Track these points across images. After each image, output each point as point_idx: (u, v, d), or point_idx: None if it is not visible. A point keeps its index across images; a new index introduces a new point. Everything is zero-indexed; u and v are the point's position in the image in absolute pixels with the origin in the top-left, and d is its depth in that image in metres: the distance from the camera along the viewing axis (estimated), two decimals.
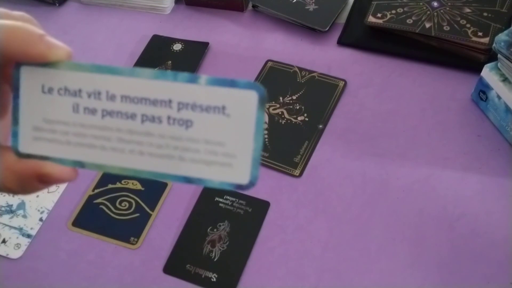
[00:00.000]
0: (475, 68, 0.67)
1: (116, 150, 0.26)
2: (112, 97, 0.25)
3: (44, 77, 0.25)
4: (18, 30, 0.24)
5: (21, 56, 0.24)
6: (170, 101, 0.25)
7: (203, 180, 0.25)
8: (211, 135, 0.25)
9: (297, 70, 0.73)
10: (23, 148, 0.26)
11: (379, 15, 0.74)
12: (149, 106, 0.25)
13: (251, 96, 0.24)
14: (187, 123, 0.25)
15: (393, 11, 0.74)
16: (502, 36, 0.60)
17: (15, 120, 0.26)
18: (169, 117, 0.25)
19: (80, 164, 0.26)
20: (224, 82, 0.24)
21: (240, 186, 0.25)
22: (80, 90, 0.25)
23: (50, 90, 0.26)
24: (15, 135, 0.26)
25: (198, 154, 0.25)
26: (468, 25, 0.69)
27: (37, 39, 0.24)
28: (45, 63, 0.25)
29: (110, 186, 0.63)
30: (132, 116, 0.25)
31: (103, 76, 0.25)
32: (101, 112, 0.25)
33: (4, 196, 0.64)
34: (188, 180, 0.25)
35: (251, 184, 0.25)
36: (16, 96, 0.26)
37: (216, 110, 0.24)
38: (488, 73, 0.62)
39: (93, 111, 0.25)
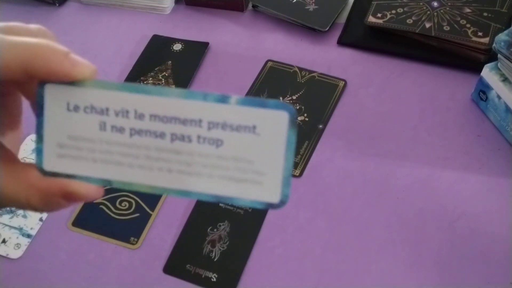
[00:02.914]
0: (475, 68, 0.67)
1: (144, 168, 0.25)
2: (140, 116, 0.25)
3: (69, 95, 0.25)
4: (43, 49, 0.23)
5: (45, 75, 0.24)
6: (200, 121, 0.25)
7: (232, 198, 0.25)
8: (241, 153, 0.25)
9: (297, 70, 0.73)
10: (48, 166, 0.26)
11: (379, 15, 0.74)
12: (178, 125, 0.25)
13: (282, 116, 0.24)
14: (217, 142, 0.25)
15: (393, 11, 0.74)
16: (502, 36, 0.60)
17: (39, 138, 0.26)
18: (199, 136, 0.25)
19: (107, 182, 0.26)
20: (254, 102, 0.24)
21: (271, 205, 0.25)
22: (107, 109, 0.25)
23: (76, 108, 0.25)
24: (39, 152, 0.26)
25: (227, 172, 0.25)
26: (468, 25, 0.69)
27: (62, 57, 0.24)
28: (70, 81, 0.25)
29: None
30: (161, 135, 0.25)
31: (131, 95, 0.25)
32: (129, 131, 0.25)
33: None
34: (217, 198, 0.25)
35: (282, 203, 0.25)
36: (40, 114, 0.25)
37: (247, 129, 0.24)
38: (488, 73, 0.62)
39: (121, 130, 0.25)
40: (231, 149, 0.25)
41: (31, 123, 0.27)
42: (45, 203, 0.25)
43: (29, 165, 0.26)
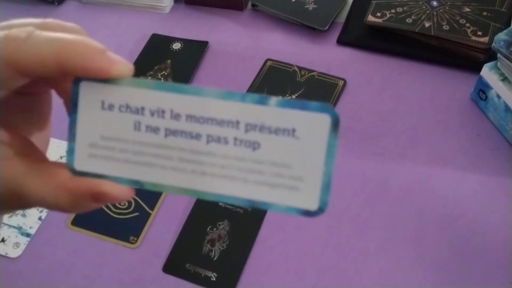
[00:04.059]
0: (475, 67, 0.67)
1: (177, 170, 0.25)
2: (176, 116, 0.24)
3: (104, 93, 0.25)
4: (79, 44, 0.23)
5: (81, 72, 0.23)
6: (237, 122, 0.24)
7: (267, 204, 0.24)
8: (278, 157, 0.24)
9: (297, 69, 0.73)
10: (79, 165, 0.25)
11: (378, 14, 0.74)
12: (215, 127, 0.24)
13: (324, 119, 0.23)
14: (254, 145, 0.24)
15: (393, 10, 0.74)
16: (501, 36, 0.60)
17: (72, 137, 0.25)
18: (235, 138, 0.24)
19: (138, 184, 0.25)
20: (295, 104, 0.23)
21: (308, 212, 0.24)
22: (142, 108, 0.24)
23: (111, 107, 0.25)
24: (71, 152, 0.25)
25: (263, 176, 0.24)
26: (467, 25, 0.69)
27: (99, 54, 0.23)
28: (106, 79, 0.24)
29: None
30: (197, 136, 0.24)
31: (168, 94, 0.24)
32: (164, 131, 0.24)
33: None
34: (251, 203, 0.24)
35: (320, 210, 0.24)
36: (74, 112, 0.25)
37: (286, 132, 0.23)
38: (487, 72, 0.62)
39: (155, 130, 0.25)
40: (268, 152, 0.24)
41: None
42: (74, 204, 0.24)
43: (58, 164, 0.25)
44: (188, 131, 0.24)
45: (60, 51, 0.23)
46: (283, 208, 0.24)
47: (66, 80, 0.25)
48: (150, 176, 0.25)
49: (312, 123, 0.23)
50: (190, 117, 0.24)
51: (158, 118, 0.24)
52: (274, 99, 0.23)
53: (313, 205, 0.24)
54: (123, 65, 0.24)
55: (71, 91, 0.25)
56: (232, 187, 0.24)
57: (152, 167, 0.25)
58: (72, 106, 0.25)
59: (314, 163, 0.23)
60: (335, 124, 0.23)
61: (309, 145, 0.23)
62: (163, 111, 0.24)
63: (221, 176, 0.24)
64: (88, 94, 0.25)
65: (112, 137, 0.25)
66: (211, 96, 0.24)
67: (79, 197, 0.24)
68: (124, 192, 0.25)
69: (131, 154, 0.25)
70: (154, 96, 0.24)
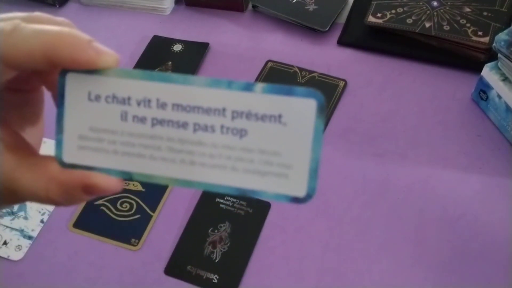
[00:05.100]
0: (475, 67, 0.67)
1: (166, 160, 0.25)
2: (163, 105, 0.24)
3: (90, 84, 0.25)
4: (66, 36, 0.23)
5: (68, 63, 0.23)
6: (224, 110, 0.24)
7: (257, 192, 0.24)
8: (266, 144, 0.24)
9: (297, 70, 0.73)
10: (68, 157, 0.25)
11: (379, 14, 0.74)
12: (201, 115, 0.24)
13: (310, 104, 0.23)
14: (241, 132, 0.24)
15: (393, 11, 0.74)
16: (502, 36, 0.60)
17: (59, 129, 0.25)
18: (222, 126, 0.24)
19: (127, 175, 0.25)
20: (281, 90, 0.23)
21: (297, 199, 0.24)
22: (129, 98, 0.24)
23: (97, 98, 0.25)
24: (59, 144, 0.25)
25: (252, 165, 0.24)
26: (468, 25, 0.69)
27: (86, 45, 0.23)
28: (92, 70, 0.24)
29: None
30: (184, 125, 0.24)
31: (154, 83, 0.24)
32: (150, 121, 0.24)
33: None
34: (241, 191, 0.24)
35: (308, 196, 0.24)
36: (61, 104, 0.25)
37: (272, 118, 0.23)
38: (488, 72, 0.62)
39: (142, 120, 0.24)
40: (256, 140, 0.24)
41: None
42: (64, 196, 0.25)
43: (48, 157, 0.25)
44: (175, 120, 0.24)
45: (47, 43, 0.23)
46: (272, 195, 0.24)
47: (54, 73, 0.25)
48: (139, 167, 0.25)
49: (298, 108, 0.23)
50: (177, 106, 0.24)
51: (144, 108, 0.24)
52: (259, 86, 0.23)
53: (301, 192, 0.24)
54: (110, 55, 0.24)
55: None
56: (222, 176, 0.24)
57: (141, 157, 0.25)
58: (58, 98, 0.25)
59: (301, 149, 0.23)
60: (321, 108, 0.23)
61: (296, 131, 0.23)
62: (149, 101, 0.24)
63: (210, 165, 0.24)
64: (74, 86, 0.25)
65: (100, 128, 0.25)
66: (197, 85, 0.24)
67: (70, 189, 0.24)
68: (113, 184, 0.25)
69: (119, 145, 0.25)
70: (140, 86, 0.24)
